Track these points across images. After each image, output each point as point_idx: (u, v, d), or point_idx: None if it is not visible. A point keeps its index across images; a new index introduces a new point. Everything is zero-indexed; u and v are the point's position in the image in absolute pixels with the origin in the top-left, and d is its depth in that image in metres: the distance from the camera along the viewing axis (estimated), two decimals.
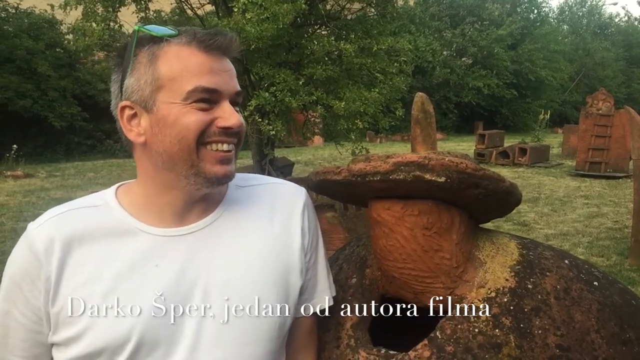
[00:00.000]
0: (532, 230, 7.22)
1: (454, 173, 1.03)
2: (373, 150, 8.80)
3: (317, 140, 17.64)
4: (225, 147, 0.98)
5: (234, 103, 1.00)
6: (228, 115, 0.97)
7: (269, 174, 7.44)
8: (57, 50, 16.22)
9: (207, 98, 0.95)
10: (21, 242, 1.00)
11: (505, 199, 1.13)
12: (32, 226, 1.00)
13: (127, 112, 0.99)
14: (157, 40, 0.97)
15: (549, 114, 18.62)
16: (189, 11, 9.06)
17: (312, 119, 9.12)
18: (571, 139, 15.18)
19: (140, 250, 0.99)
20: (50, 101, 15.04)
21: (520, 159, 13.69)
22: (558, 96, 30.41)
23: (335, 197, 1.36)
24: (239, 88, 1.01)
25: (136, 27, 1.00)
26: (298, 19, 7.58)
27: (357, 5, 8.65)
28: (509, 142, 16.03)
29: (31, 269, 0.97)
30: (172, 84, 0.95)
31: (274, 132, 7.06)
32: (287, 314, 1.06)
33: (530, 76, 27.11)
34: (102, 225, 1.00)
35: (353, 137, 7.60)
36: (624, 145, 11.95)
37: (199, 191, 1.00)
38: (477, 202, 1.11)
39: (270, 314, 1.02)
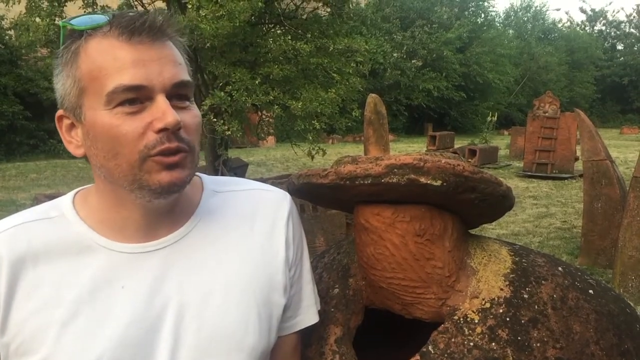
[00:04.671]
0: (485, 231, 7.30)
1: (451, 176, 0.95)
2: (327, 150, 8.79)
3: (270, 140, 17.50)
4: (171, 153, 0.82)
5: (176, 96, 0.83)
6: (162, 114, 0.80)
7: (222, 175, 7.29)
8: None
9: (134, 98, 0.80)
10: None
11: (500, 203, 1.07)
12: None
13: (65, 122, 0.87)
14: (77, 34, 0.82)
15: (496, 116, 19.06)
16: (139, 7, 8.79)
17: (267, 119, 9.00)
18: (518, 140, 15.55)
19: (104, 269, 0.86)
20: None
21: (470, 160, 13.92)
22: (504, 99, 31.23)
23: (317, 202, 1.27)
24: (181, 77, 0.83)
25: (60, 23, 0.85)
26: (253, 17, 7.46)
27: (312, 5, 8.59)
28: (459, 143, 16.34)
29: None
30: (94, 85, 0.80)
31: (229, 132, 6.91)
32: (270, 337, 0.95)
33: (478, 79, 27.74)
34: (59, 240, 0.86)
35: (310, 137, 7.52)
36: (569, 147, 12.33)
37: (150, 203, 0.85)
38: (471, 207, 1.04)
39: (252, 338, 0.91)
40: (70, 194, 0.94)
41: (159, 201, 0.85)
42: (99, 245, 0.87)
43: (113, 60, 0.80)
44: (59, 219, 0.89)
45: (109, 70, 0.79)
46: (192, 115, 0.86)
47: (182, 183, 0.85)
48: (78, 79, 0.82)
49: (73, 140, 0.86)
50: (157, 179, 0.82)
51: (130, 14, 0.82)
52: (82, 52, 0.82)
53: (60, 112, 0.86)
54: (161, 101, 0.81)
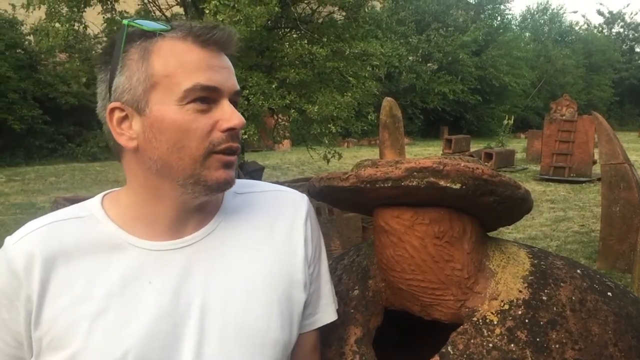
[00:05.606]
0: (502, 234, 7.26)
1: (470, 179, 0.97)
2: (343, 154, 8.81)
3: (286, 144, 17.56)
4: (232, 152, 0.91)
5: (232, 103, 0.92)
6: (229, 116, 0.89)
7: (239, 178, 7.33)
8: (18, 51, 15.80)
9: (206, 97, 0.87)
10: None
11: (518, 206, 1.08)
12: (9, 241, 0.90)
13: (117, 114, 0.89)
14: (150, 34, 0.88)
15: (512, 119, 18.91)
16: (157, 12, 8.89)
17: (283, 122, 9.05)
18: (535, 144, 15.44)
19: (132, 266, 0.89)
20: (9, 103, 14.63)
21: (486, 163, 13.79)
22: (521, 102, 30.98)
23: (337, 205, 1.29)
24: (238, 87, 0.94)
25: (125, 22, 0.90)
26: (269, 22, 7.51)
27: (328, 9, 8.63)
28: (475, 147, 16.26)
29: (9, 289, 0.87)
30: (167, 82, 0.86)
31: (246, 136, 6.97)
32: (292, 332, 0.98)
33: (494, 82, 27.54)
34: (89, 239, 0.90)
35: (326, 141, 7.55)
36: (587, 150, 12.22)
37: (195, 200, 0.91)
38: (490, 210, 1.06)
39: (275, 334, 0.94)
40: (99, 196, 0.98)
41: (207, 197, 0.92)
42: (128, 244, 0.91)
43: (190, 62, 0.87)
44: (88, 219, 0.93)
45: (186, 69, 0.86)
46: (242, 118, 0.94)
47: (233, 181, 0.93)
48: (150, 74, 0.87)
49: (125, 133, 0.90)
50: (215, 175, 0.89)
51: (202, 24, 0.90)
52: (156, 50, 0.87)
53: (114, 104, 0.89)
54: (227, 104, 0.90)
